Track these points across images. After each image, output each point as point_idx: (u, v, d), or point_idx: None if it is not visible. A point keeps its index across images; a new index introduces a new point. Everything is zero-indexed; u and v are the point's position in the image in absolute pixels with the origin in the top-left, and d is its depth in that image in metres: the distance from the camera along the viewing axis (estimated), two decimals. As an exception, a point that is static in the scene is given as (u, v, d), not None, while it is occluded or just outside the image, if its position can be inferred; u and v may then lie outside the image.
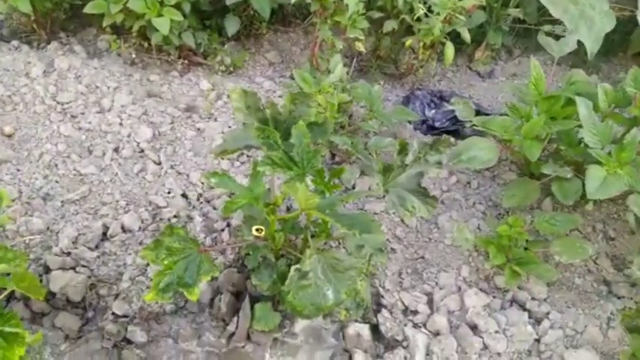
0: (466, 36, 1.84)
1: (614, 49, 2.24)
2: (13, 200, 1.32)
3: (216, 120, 1.70)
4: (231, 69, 2.00)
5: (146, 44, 1.92)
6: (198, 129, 1.65)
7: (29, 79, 1.71)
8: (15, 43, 1.87)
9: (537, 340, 1.21)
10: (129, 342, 1.12)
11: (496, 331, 1.20)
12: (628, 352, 1.14)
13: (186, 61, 1.97)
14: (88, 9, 1.72)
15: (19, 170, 1.43)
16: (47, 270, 1.20)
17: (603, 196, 1.17)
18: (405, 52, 2.04)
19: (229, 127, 1.68)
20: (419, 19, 1.90)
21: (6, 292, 1.06)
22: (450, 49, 1.84)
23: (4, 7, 1.70)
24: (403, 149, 1.08)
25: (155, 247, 0.99)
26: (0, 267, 1.00)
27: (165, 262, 0.98)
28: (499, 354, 1.18)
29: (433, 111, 1.83)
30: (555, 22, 1.95)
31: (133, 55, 1.91)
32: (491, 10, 2.17)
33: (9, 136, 1.53)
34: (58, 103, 1.63)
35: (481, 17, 2.13)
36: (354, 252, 1.11)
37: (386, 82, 2.09)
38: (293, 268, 1.01)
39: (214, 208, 1.42)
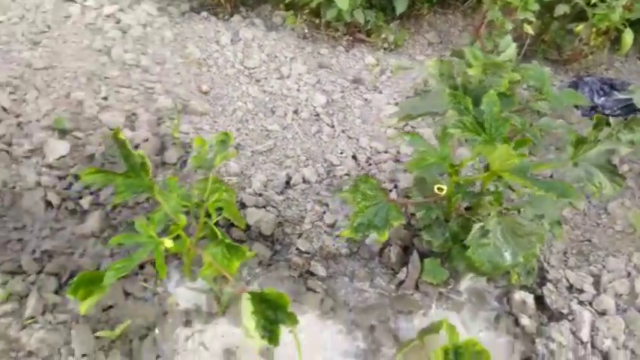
0: (648, 24, 1.77)
1: None
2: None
3: (381, 92, 1.81)
4: (393, 47, 2.09)
5: (317, 20, 2.09)
6: (366, 99, 1.77)
7: (219, 45, 1.94)
8: (204, 14, 2.12)
9: None
10: (312, 274, 1.26)
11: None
12: None
13: (351, 38, 2.10)
14: (276, -15, 1.91)
15: (215, 122, 1.64)
16: (243, 206, 1.38)
17: None
18: (572, 37, 1.99)
19: (394, 99, 1.78)
20: (594, 5, 1.85)
21: (215, 219, 1.25)
22: (628, 36, 1.77)
23: (206, -19, 1.94)
24: (599, 124, 1.09)
25: (353, 191, 1.11)
26: (219, 195, 1.19)
27: (360, 205, 1.10)
28: (672, 341, 1.16)
29: (603, 98, 1.78)
30: None
31: (305, 30, 2.08)
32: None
33: (205, 93, 1.75)
34: (245, 67, 1.84)
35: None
36: (535, 221, 1.15)
37: (550, 68, 2.05)
38: (476, 225, 1.08)
39: (380, 171, 1.53)
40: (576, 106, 1.77)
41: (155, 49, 1.86)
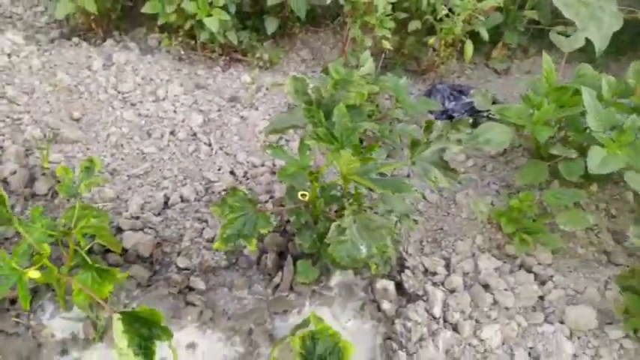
0: (484, 35, 2.03)
1: (623, 48, 2.37)
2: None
3: (257, 109, 1.91)
4: (268, 65, 2.20)
5: (192, 42, 2.15)
6: (242, 117, 1.86)
7: (91, 71, 1.93)
8: (75, 40, 2.10)
9: (541, 298, 1.38)
10: (191, 289, 1.32)
11: (505, 289, 1.37)
12: (621, 308, 1.30)
13: (227, 58, 2.18)
14: (145, 9, 1.93)
15: (88, 149, 1.64)
16: (120, 231, 1.40)
17: (603, 171, 1.33)
18: (427, 50, 2.23)
19: (269, 115, 1.88)
20: (441, 20, 2.09)
21: (88, 246, 1.26)
22: (469, 47, 2.03)
23: (72, 6, 1.92)
24: (429, 127, 1.26)
25: (221, 205, 1.18)
26: (86, 222, 1.21)
27: (229, 217, 1.18)
28: (507, 308, 1.35)
29: (453, 103, 2.01)
30: (567, 23, 2.11)
31: (181, 52, 2.13)
32: (508, 11, 2.34)
33: (77, 120, 1.74)
34: (119, 92, 1.85)
35: (498, 18, 2.30)
36: (385, 216, 1.30)
37: (409, 78, 2.26)
38: (333, 224, 1.20)
39: (258, 184, 1.62)
40: (431, 112, 1.99)
41: (22, 78, 1.82)
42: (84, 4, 1.87)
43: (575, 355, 1.27)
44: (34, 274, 1.02)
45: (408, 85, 1.92)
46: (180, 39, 2.12)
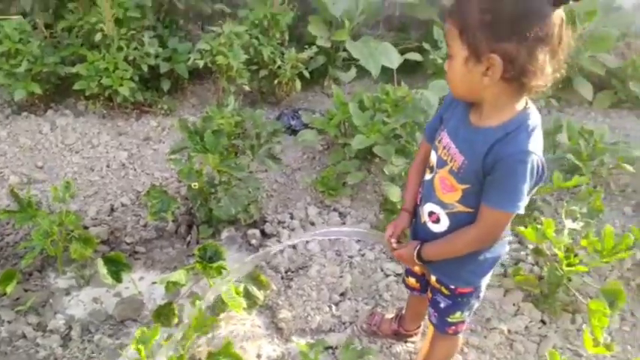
0: (306, 75, 3.10)
1: (414, 70, 3.51)
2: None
3: (163, 143, 2.83)
4: (168, 112, 3.13)
5: (111, 104, 3.04)
6: (154, 149, 2.78)
7: (42, 134, 2.78)
8: (25, 114, 2.92)
9: (343, 223, 2.41)
10: (136, 252, 2.21)
11: (322, 222, 2.39)
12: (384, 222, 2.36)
13: (138, 111, 3.09)
14: (76, 86, 2.81)
15: (53, 184, 2.49)
16: (85, 228, 2.27)
17: (361, 147, 2.40)
18: (275, 87, 3.26)
19: (171, 145, 2.81)
20: (279, 67, 3.13)
21: (73, 232, 2.11)
22: (297, 83, 3.09)
23: (23, 91, 2.76)
24: (258, 134, 2.27)
25: (147, 195, 2.11)
26: (71, 219, 2.08)
27: (152, 201, 2.10)
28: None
29: (294, 121, 3.05)
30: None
31: (104, 112, 3.01)
32: (329, 54, 3.45)
33: (41, 167, 2.58)
34: (66, 145, 2.72)
35: (322, 60, 3.40)
36: (244, 190, 2.28)
37: (268, 108, 3.29)
38: (213, 196, 2.16)
39: (170, 188, 2.54)
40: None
41: (-5, 145, 2.64)
42: (32, 88, 2.73)
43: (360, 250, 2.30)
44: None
45: (262, 114, 2.92)
46: (102, 102, 3.01)
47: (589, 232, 2.14)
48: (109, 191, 2.48)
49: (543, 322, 2.15)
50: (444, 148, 1.23)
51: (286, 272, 2.20)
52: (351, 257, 2.28)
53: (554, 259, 2.14)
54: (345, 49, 3.38)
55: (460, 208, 1.22)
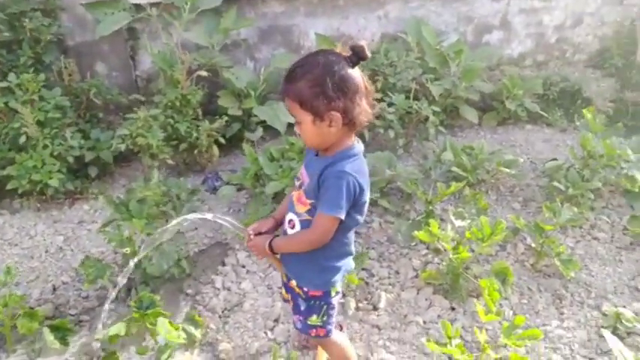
0: (222, 141, 3.47)
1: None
2: None
3: (97, 223, 3.06)
4: (99, 196, 3.37)
5: (44, 197, 3.25)
6: (88, 229, 3.00)
7: (-21, 235, 2.95)
8: (-40, 220, 3.09)
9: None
10: (81, 321, 2.38)
11: (251, 264, 2.66)
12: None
13: (70, 199, 3.32)
14: (9, 186, 3.03)
15: (-5, 277, 2.64)
16: (31, 308, 2.43)
17: (272, 190, 2.74)
18: (197, 156, 3.59)
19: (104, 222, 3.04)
20: (197, 138, 3.49)
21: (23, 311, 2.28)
22: (215, 150, 3.45)
23: (-44, 200, 2.95)
24: (178, 196, 2.56)
25: (83, 265, 2.32)
26: (16, 300, 2.25)
27: (88, 270, 2.31)
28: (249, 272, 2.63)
29: (217, 183, 3.38)
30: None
31: (38, 205, 3.22)
32: (242, 120, 3.85)
33: (-19, 265, 2.74)
34: (5, 240, 2.89)
35: (237, 126, 3.80)
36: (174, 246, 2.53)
37: (194, 175, 3.61)
38: (145, 257, 2.40)
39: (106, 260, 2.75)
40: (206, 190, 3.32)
41: None
42: (-36, 195, 2.93)
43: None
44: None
45: (186, 181, 3.23)
46: (35, 197, 3.22)
47: (472, 225, 2.53)
48: (49, 273, 2.67)
49: (453, 308, 2.48)
50: (301, 174, 1.63)
51: (223, 311, 2.44)
52: (280, 288, 2.55)
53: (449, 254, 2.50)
54: (255, 115, 3.80)
55: (307, 217, 1.57)
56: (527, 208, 3.28)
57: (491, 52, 4.67)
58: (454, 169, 3.20)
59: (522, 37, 4.99)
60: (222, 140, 3.50)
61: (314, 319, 1.74)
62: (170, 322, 1.99)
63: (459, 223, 2.61)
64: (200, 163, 3.67)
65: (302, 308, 1.75)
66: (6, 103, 3.13)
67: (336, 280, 1.69)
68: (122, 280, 1.96)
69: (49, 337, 2.06)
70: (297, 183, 1.66)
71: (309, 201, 1.56)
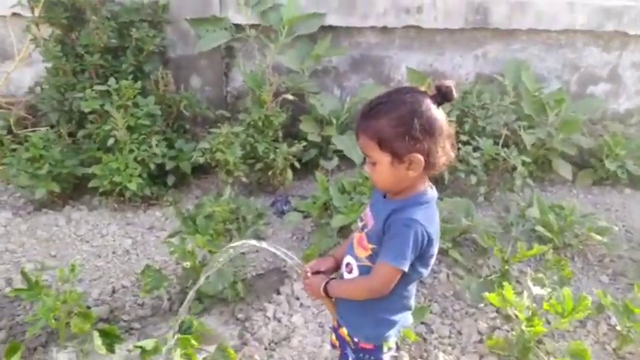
0: (297, 165, 3.44)
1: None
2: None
3: (166, 231, 3.12)
4: (173, 203, 3.45)
5: (122, 198, 3.38)
6: (157, 236, 3.06)
7: (58, 227, 3.10)
8: (45, 210, 3.28)
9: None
10: (132, 328, 2.40)
11: (305, 297, 2.56)
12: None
13: (146, 204, 3.43)
14: (91, 184, 3.19)
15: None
16: (88, 307, 2.48)
17: (340, 224, 2.63)
18: (270, 177, 3.58)
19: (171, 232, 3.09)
20: (273, 160, 3.48)
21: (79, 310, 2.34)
22: (289, 173, 3.42)
23: (44, 190, 3.13)
24: (245, 217, 2.53)
25: (142, 273, 2.34)
26: (75, 297, 2.31)
27: (146, 279, 2.33)
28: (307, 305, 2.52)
29: (286, 207, 3.34)
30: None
31: (115, 205, 3.35)
32: (321, 147, 3.80)
33: (54, 256, 2.87)
34: (77, 235, 3.02)
35: (314, 152, 3.76)
36: (232, 267, 2.50)
37: (265, 196, 3.60)
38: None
39: (166, 271, 2.78)
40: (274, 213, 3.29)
41: (16, 238, 2.96)
42: (52, 187, 3.11)
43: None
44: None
45: (256, 201, 3.22)
46: (113, 198, 3.36)
47: (551, 296, 2.27)
48: (112, 275, 2.73)
49: (518, 386, 2.21)
50: (365, 215, 1.52)
51: (269, 344, 2.35)
52: (330, 329, 2.42)
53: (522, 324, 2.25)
54: (333, 143, 3.74)
55: (367, 262, 1.46)
56: (617, 284, 2.92)
57: (595, 104, 4.31)
58: (539, 228, 2.92)
59: (632, 92, 4.57)
60: (297, 165, 3.47)
61: None
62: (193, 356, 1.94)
63: (537, 290, 2.36)
64: (273, 185, 3.66)
65: (349, 359, 1.63)
66: (102, 106, 3.31)
67: (390, 334, 1.56)
68: (190, 294, 1.92)
69: (97, 341, 2.08)
70: (360, 224, 1.55)
71: (370, 245, 1.45)
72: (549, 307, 2.19)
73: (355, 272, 1.51)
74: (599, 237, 2.91)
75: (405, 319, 1.59)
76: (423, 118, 1.31)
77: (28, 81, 3.97)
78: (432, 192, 1.44)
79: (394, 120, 1.31)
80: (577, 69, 4.40)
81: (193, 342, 1.94)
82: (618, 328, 2.46)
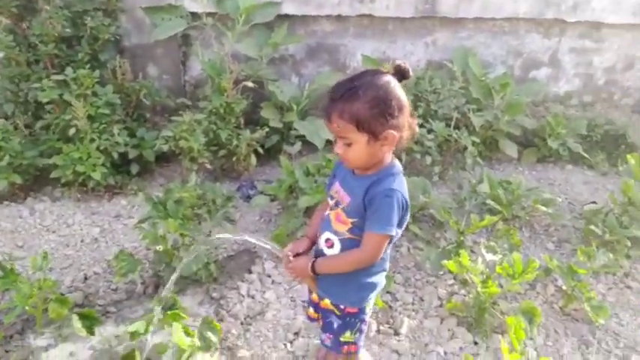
0: (260, 151, 3.54)
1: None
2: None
3: (133, 218, 3.15)
4: (138, 192, 3.47)
5: (85, 188, 3.37)
6: (124, 224, 3.09)
7: (22, 218, 3.07)
8: (6, 202, 3.23)
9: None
10: (108, 312, 2.44)
11: (277, 274, 2.68)
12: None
13: (110, 193, 3.43)
14: (53, 174, 3.16)
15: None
16: (62, 294, 2.50)
17: (304, 204, 2.76)
18: (234, 163, 3.66)
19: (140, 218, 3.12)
20: (237, 146, 3.56)
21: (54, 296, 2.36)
22: (253, 159, 3.51)
23: (5, 182, 3.08)
24: (214, 201, 2.62)
25: (116, 258, 2.39)
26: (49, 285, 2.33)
27: (120, 263, 2.38)
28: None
29: (252, 191, 3.43)
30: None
31: (79, 196, 3.34)
32: (282, 133, 3.91)
33: (21, 247, 2.85)
34: (43, 226, 3.01)
35: (276, 138, 3.86)
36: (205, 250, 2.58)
37: (230, 182, 3.67)
38: (175, 257, 2.45)
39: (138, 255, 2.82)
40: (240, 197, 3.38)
41: (-22, 231, 2.92)
42: (14, 179, 3.07)
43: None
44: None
45: (222, 187, 3.29)
46: (76, 188, 3.34)
47: (503, 260, 2.49)
48: (82, 262, 2.75)
49: (476, 343, 2.43)
50: (336, 192, 1.61)
51: (245, 318, 2.46)
52: (304, 301, 2.56)
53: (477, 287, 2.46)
54: (294, 128, 3.85)
55: (348, 235, 1.57)
56: (561, 249, 3.21)
57: (537, 88, 4.62)
58: (489, 201, 3.16)
59: (570, 76, 4.92)
60: (260, 150, 3.57)
61: (347, 336, 1.74)
62: (185, 327, 2.02)
63: (489, 256, 2.58)
64: (237, 171, 3.73)
65: (335, 326, 1.74)
66: (60, 95, 3.27)
67: (371, 296, 1.70)
68: (173, 277, 1.97)
69: (77, 324, 2.12)
70: (331, 202, 1.65)
71: (350, 220, 1.56)
72: (501, 270, 2.40)
73: (337, 246, 1.60)
74: (544, 208, 3.18)
75: (383, 280, 1.73)
76: (395, 98, 1.43)
77: (-23, 73, 3.85)
78: (398, 164, 1.58)
79: (369, 102, 1.39)
80: (520, 55, 4.70)
81: (182, 315, 2.01)
82: (564, 288, 2.72)
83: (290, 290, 2.65)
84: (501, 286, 2.60)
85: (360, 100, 1.39)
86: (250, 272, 2.76)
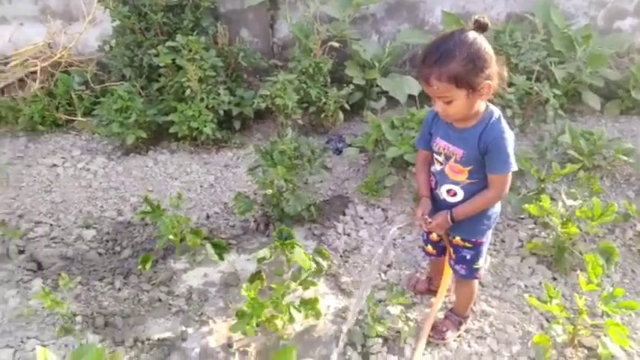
0: (347, 107, 3.83)
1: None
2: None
3: (239, 168, 3.59)
4: (240, 145, 3.90)
5: (196, 142, 3.84)
6: (234, 172, 3.54)
7: (148, 167, 3.59)
8: (132, 154, 3.76)
9: (386, 217, 3.03)
10: (230, 244, 2.90)
11: (368, 216, 3.02)
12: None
13: (217, 146, 3.89)
14: (171, 130, 3.65)
15: (161, 201, 3.26)
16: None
17: (396, 155, 3.06)
18: (323, 119, 3.99)
19: (245, 168, 3.55)
20: (324, 103, 3.87)
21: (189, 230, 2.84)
22: (340, 115, 3.82)
23: (133, 137, 3.60)
24: (313, 151, 2.97)
25: (235, 199, 2.82)
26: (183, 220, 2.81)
27: (239, 203, 2.81)
28: (368, 223, 3.00)
29: (340, 144, 3.76)
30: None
31: (192, 149, 3.82)
32: (365, 90, 4.18)
33: (151, 191, 3.37)
34: (167, 173, 3.51)
35: (359, 95, 4.14)
36: (305, 193, 2.96)
37: (318, 136, 4.02)
38: (283, 199, 2.85)
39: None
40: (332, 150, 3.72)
41: (115, 177, 3.46)
42: (139, 134, 3.58)
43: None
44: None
45: (314, 141, 3.64)
46: (189, 142, 3.83)
47: (583, 205, 2.67)
48: (204, 204, 3.23)
49: (554, 278, 2.67)
50: (444, 148, 1.80)
51: (343, 252, 2.84)
52: (394, 239, 2.90)
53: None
54: (377, 85, 4.10)
55: (468, 181, 1.79)
56: (642, 198, 3.31)
57: (621, 38, 4.53)
58: (570, 151, 3.29)
59: (659, 25, 4.76)
60: (347, 106, 3.87)
61: (480, 263, 2.03)
62: (304, 252, 2.41)
63: (570, 202, 2.76)
64: (325, 126, 4.07)
65: (468, 257, 1.99)
66: (173, 60, 3.71)
67: (492, 225, 1.96)
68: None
69: (210, 250, 2.58)
70: (440, 158, 1.83)
71: (466, 169, 1.75)
72: (581, 214, 2.60)
73: (460, 193, 1.83)
74: (625, 158, 3.28)
75: (499, 209, 1.94)
76: (484, 50, 1.55)
77: (93, 40, 4.38)
78: (494, 107, 1.71)
79: (463, 60, 1.52)
80: (603, 5, 4.60)
81: (298, 244, 2.41)
82: (643, 231, 2.87)
83: (381, 230, 2.99)
84: (580, 229, 2.80)
85: (454, 60, 1.52)
86: (344, 214, 3.12)
